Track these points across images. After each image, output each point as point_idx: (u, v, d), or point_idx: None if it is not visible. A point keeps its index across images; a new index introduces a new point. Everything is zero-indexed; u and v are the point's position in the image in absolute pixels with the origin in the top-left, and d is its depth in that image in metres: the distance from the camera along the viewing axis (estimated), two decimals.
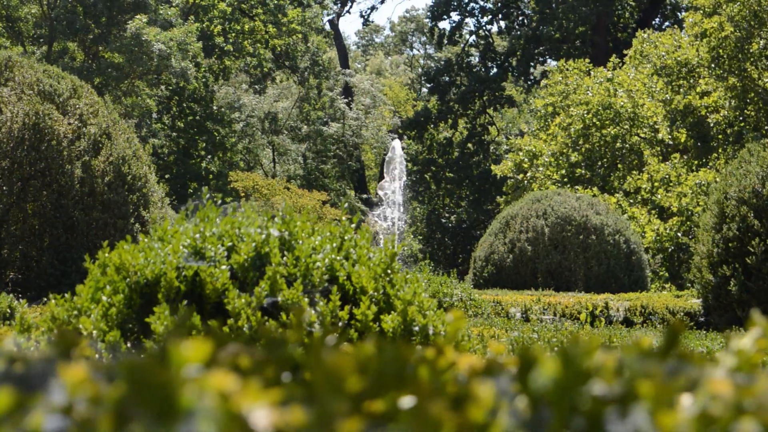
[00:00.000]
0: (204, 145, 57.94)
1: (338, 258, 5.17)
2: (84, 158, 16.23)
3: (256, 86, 60.74)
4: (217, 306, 5.08)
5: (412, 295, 5.14)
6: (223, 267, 5.06)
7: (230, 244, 5.20)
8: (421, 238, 64.25)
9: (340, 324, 4.91)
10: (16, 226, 16.04)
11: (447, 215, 62.12)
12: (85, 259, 5.56)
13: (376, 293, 5.09)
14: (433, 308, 5.21)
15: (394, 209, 38.43)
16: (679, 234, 31.83)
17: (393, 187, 38.52)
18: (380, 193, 39.78)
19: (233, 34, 56.61)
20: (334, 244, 5.21)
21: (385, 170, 41.34)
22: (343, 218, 5.29)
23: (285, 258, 5.14)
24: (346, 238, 5.30)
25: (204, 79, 56.07)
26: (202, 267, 5.03)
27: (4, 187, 16.04)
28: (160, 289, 5.04)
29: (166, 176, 56.39)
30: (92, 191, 16.20)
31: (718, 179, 19.47)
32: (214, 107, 56.97)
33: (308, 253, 5.11)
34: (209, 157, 58.28)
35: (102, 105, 16.61)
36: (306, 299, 4.91)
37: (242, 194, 45.19)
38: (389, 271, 5.22)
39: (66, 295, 5.33)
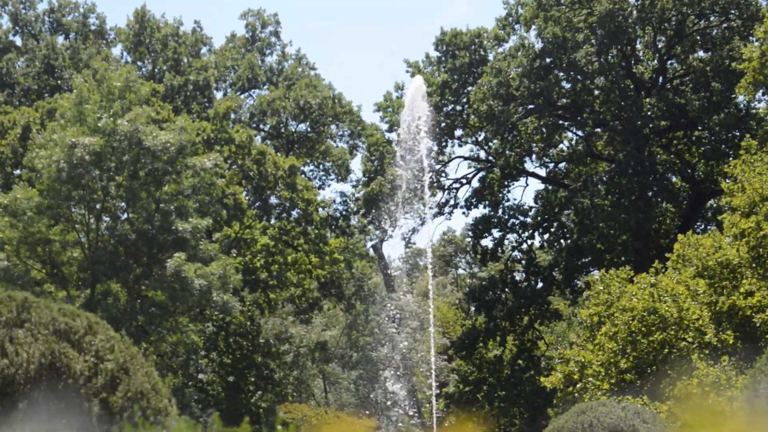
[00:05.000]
0: (253, 379, 57.72)
1: None
2: (102, 395, 16.02)
3: (303, 316, 60.84)
4: None
5: None
6: None
7: None
8: None
9: None
10: None
11: None
12: None
13: None
14: None
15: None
16: None
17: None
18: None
19: (276, 266, 57.03)
20: None
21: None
22: None
23: None
24: None
25: (249, 313, 56.28)
26: None
27: None
28: None
29: (216, 413, 56.05)
30: (110, 430, 15.90)
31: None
32: (261, 340, 56.99)
33: None
34: (259, 393, 57.93)
35: (119, 340, 16.53)
36: None
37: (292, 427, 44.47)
38: None
39: None
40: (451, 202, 64.44)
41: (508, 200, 62.76)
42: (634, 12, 56.68)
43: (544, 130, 60.18)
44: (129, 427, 4.93)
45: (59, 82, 62.45)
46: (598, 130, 61.07)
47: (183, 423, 4.99)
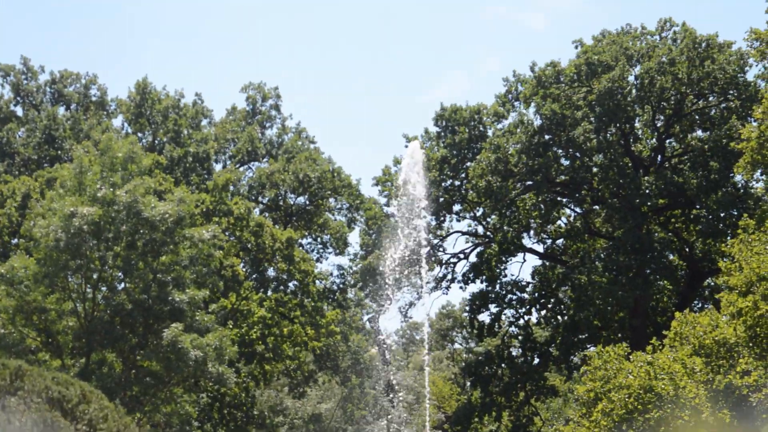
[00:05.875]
0: None
1: None
2: None
3: (297, 390, 60.50)
4: None
5: None
6: None
7: None
8: None
9: None
10: None
11: None
12: None
13: None
14: None
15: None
16: None
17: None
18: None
19: (272, 338, 56.86)
20: None
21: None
22: None
23: None
24: None
25: (244, 384, 55.99)
26: None
27: None
28: None
29: None
30: None
31: None
32: (256, 412, 56.64)
33: None
34: None
35: (112, 410, 16.47)
36: None
37: None
38: None
39: None
40: (449, 276, 64.36)
41: (506, 276, 62.75)
42: (633, 91, 57.08)
43: (542, 206, 60.30)
44: None
45: (59, 152, 62.70)
46: (596, 207, 61.21)
47: None
